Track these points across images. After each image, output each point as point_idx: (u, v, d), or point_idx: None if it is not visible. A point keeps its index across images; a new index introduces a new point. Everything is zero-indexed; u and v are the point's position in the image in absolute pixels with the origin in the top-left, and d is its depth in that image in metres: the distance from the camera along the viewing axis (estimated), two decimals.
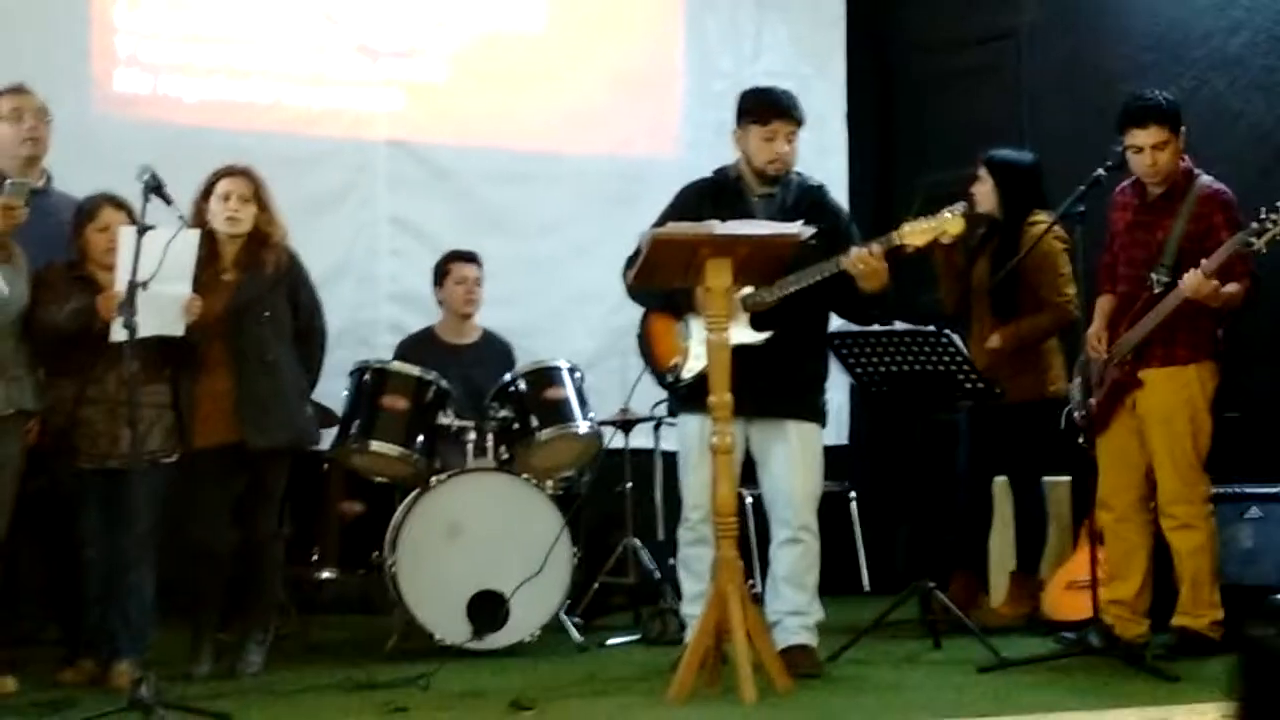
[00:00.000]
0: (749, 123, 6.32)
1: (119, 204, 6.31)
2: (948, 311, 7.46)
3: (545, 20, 9.37)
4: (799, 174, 6.42)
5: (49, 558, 6.53)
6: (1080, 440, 6.58)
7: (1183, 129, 6.33)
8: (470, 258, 8.02)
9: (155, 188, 5.79)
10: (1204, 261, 6.08)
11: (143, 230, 5.74)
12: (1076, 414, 6.65)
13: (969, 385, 6.73)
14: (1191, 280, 6.09)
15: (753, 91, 6.50)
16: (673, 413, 6.58)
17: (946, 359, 6.64)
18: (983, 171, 7.45)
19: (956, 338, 6.71)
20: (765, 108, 6.32)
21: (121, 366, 5.82)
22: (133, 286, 5.65)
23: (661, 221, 6.06)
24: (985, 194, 7.39)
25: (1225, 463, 6.55)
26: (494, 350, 7.93)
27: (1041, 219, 7.31)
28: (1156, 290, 6.28)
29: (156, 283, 5.74)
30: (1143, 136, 6.28)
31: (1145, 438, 6.37)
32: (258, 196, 6.56)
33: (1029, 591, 7.44)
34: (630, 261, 6.12)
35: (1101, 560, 6.39)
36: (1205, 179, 6.37)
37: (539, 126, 9.23)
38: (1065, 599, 7.10)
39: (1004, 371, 6.98)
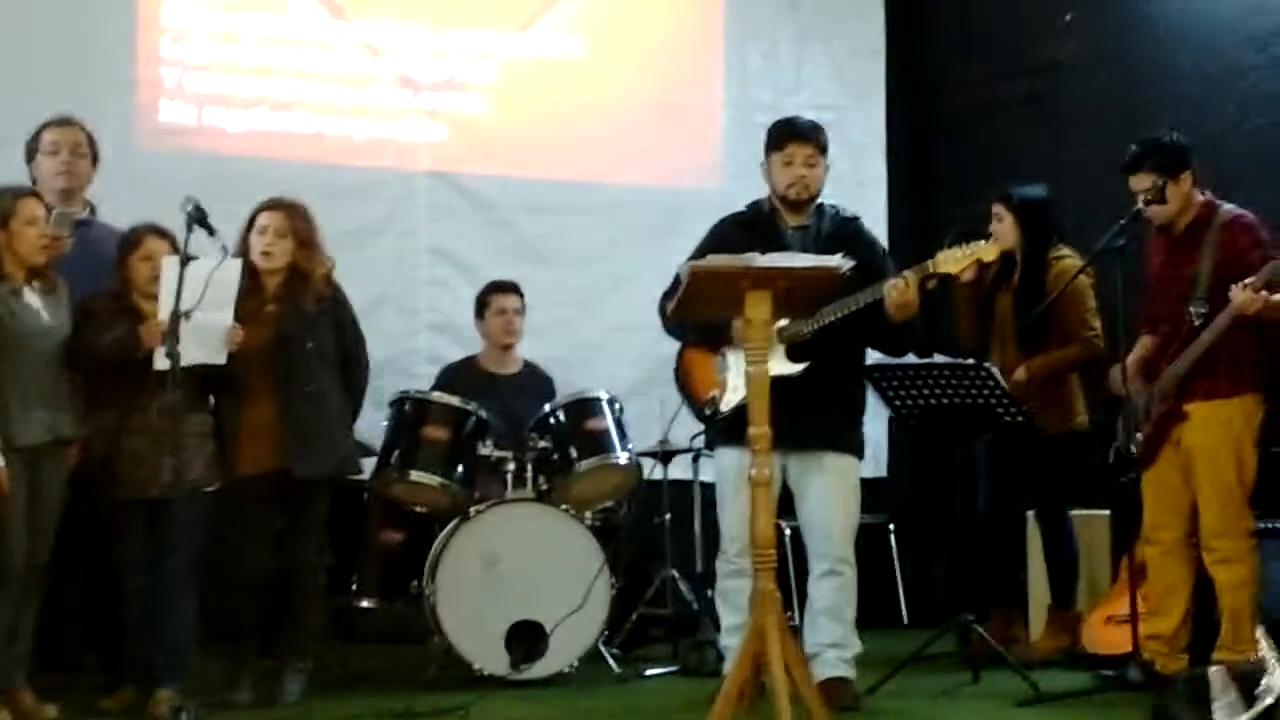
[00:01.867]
0: (770, 151, 6.38)
1: (163, 234, 6.35)
2: (964, 346, 7.44)
3: (586, 52, 9.40)
4: (833, 206, 6.44)
5: (90, 585, 6.57)
6: (1124, 478, 6.57)
7: (1189, 167, 6.35)
8: (510, 288, 8.06)
9: (199, 218, 5.84)
10: (1248, 280, 6.08)
11: (186, 260, 5.78)
12: (1121, 450, 6.64)
13: (1008, 418, 6.72)
14: (1240, 297, 6.09)
15: (777, 121, 6.55)
16: (710, 446, 6.58)
17: (985, 392, 6.64)
18: (999, 208, 7.44)
19: (996, 370, 6.71)
20: (782, 134, 6.38)
21: (164, 395, 5.87)
22: (175, 316, 5.70)
23: (698, 254, 6.06)
24: (1005, 231, 7.37)
25: (1270, 498, 6.53)
26: (535, 381, 7.95)
27: (1065, 253, 7.33)
28: (1196, 323, 6.28)
29: (199, 312, 5.79)
30: (1135, 183, 6.33)
31: (1189, 472, 6.36)
32: (295, 231, 6.59)
33: (1066, 625, 7.41)
34: (667, 294, 6.14)
35: (1141, 595, 6.37)
36: (1227, 208, 6.40)
37: (579, 157, 9.26)
38: (1105, 633, 7.07)
39: (1030, 405, 6.98)
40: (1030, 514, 7.65)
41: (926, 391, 6.69)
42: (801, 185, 6.29)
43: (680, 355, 6.46)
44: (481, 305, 8.07)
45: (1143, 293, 6.60)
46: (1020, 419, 6.73)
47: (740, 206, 6.57)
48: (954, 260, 6.09)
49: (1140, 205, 6.36)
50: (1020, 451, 7.29)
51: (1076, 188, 7.77)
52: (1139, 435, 6.50)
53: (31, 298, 6.15)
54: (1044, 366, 7.30)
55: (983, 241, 6.14)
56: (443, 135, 9.09)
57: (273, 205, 6.62)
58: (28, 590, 6.11)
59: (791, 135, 6.34)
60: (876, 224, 7.16)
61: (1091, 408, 7.36)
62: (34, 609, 6.17)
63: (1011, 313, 7.40)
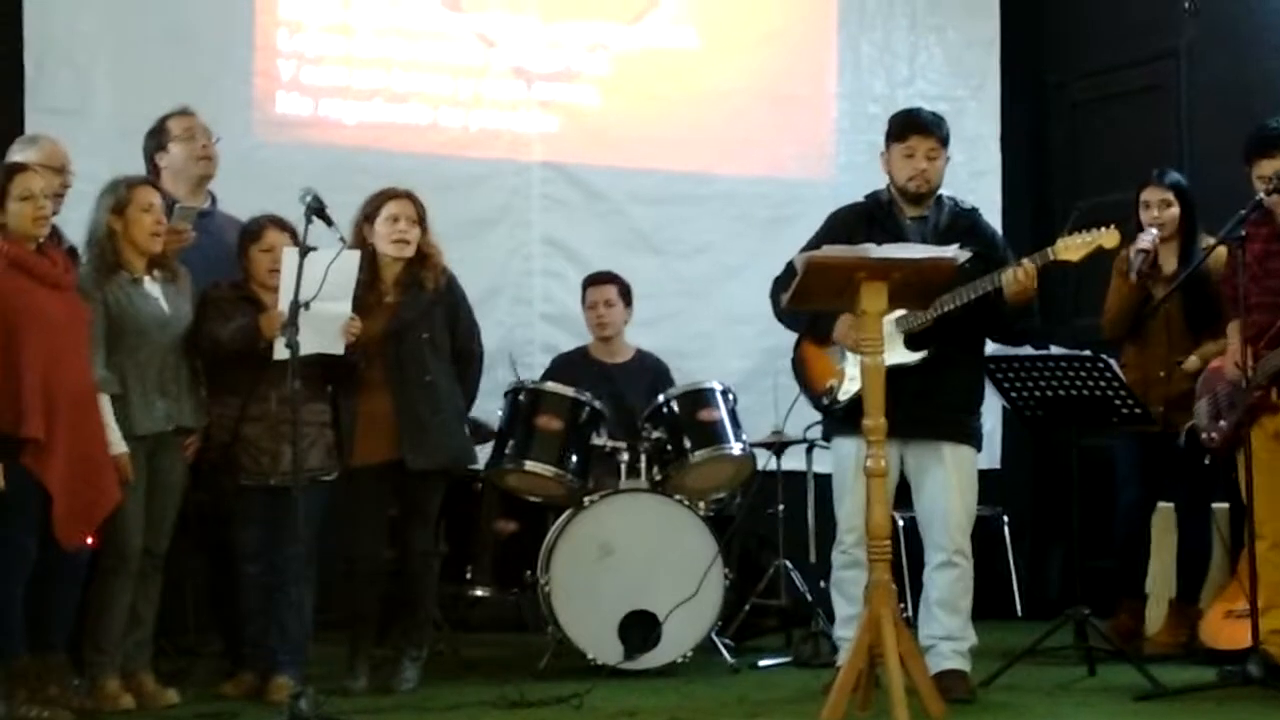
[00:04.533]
0: (891, 142, 6.34)
1: (282, 225, 6.42)
2: (1106, 336, 7.38)
3: (699, 42, 9.40)
4: (951, 197, 6.40)
5: (212, 572, 6.65)
6: (1206, 461, 6.51)
7: None
8: (603, 280, 8.02)
9: (317, 209, 5.88)
10: None
11: (305, 251, 5.83)
12: (1203, 435, 6.59)
13: (1125, 410, 6.66)
14: None
15: (897, 113, 6.53)
16: (827, 437, 6.55)
17: (1104, 384, 6.58)
18: (1163, 194, 7.31)
19: (1113, 362, 6.65)
20: (904, 126, 6.34)
21: (283, 385, 5.93)
22: (295, 306, 5.74)
23: (813, 245, 6.05)
24: (1172, 219, 7.28)
25: None
26: (646, 369, 7.93)
27: (1209, 239, 7.26)
28: None
29: (318, 302, 5.82)
30: (1260, 169, 6.22)
31: None
32: (421, 219, 6.65)
33: (1188, 620, 7.33)
34: (777, 284, 6.14)
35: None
36: None
37: (692, 148, 9.26)
38: (1224, 628, 6.97)
39: (1185, 396, 6.89)
40: (1161, 507, 7.56)
41: (1044, 383, 6.65)
42: (922, 179, 6.26)
43: (798, 345, 6.44)
44: (582, 297, 8.08)
45: (1233, 278, 6.49)
46: (1138, 411, 6.66)
47: (852, 197, 6.56)
48: (1074, 248, 6.05)
49: (1262, 194, 6.27)
50: (1167, 444, 7.21)
51: (1196, 177, 7.66)
52: (1221, 423, 6.46)
53: (152, 287, 6.23)
54: (1214, 355, 7.18)
55: (1103, 229, 6.08)
56: (556, 126, 9.12)
57: (397, 194, 6.66)
58: (148, 577, 6.20)
59: (914, 127, 6.31)
60: (992, 215, 7.11)
61: None
62: (155, 596, 6.27)
63: (1175, 300, 7.25)
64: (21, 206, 5.79)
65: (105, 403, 5.98)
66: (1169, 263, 7.29)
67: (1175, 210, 7.28)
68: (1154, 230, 7.15)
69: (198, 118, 6.93)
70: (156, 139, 6.90)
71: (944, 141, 6.32)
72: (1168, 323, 7.28)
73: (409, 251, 6.59)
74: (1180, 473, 7.30)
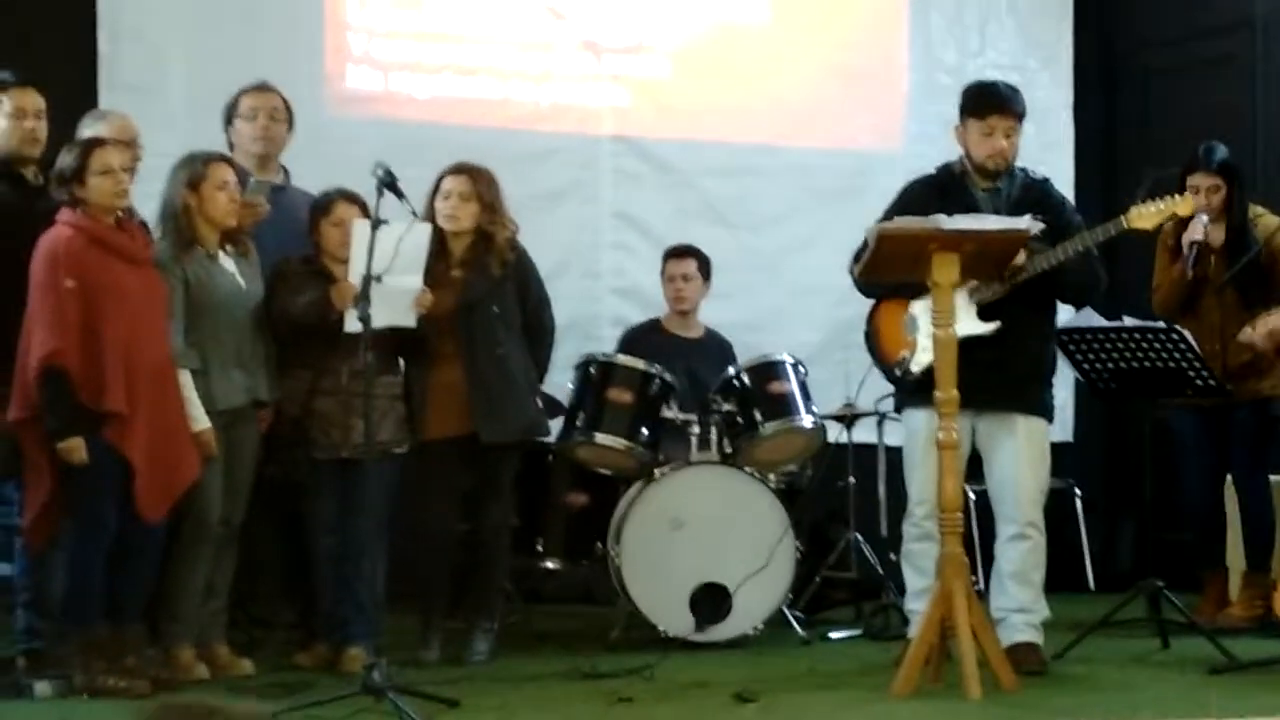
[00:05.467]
0: (968, 117, 6.29)
1: (353, 199, 6.43)
2: (1157, 314, 7.32)
3: (769, 14, 9.36)
4: (1023, 169, 6.37)
5: (285, 544, 6.70)
6: None
7: None
8: (682, 254, 7.99)
9: (388, 183, 5.87)
10: None
11: (376, 225, 5.84)
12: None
13: (1200, 382, 6.63)
14: None
15: (973, 86, 6.47)
16: (898, 409, 6.53)
17: (1177, 355, 6.55)
18: (1210, 180, 7.23)
19: (1188, 334, 6.61)
20: (983, 103, 6.28)
21: (354, 358, 5.96)
22: (367, 280, 5.76)
23: (888, 216, 6.04)
24: (1220, 201, 7.22)
25: None
26: (715, 346, 7.94)
27: (1261, 211, 7.20)
28: None
29: (389, 276, 5.84)
30: None
31: None
32: (479, 195, 6.64)
33: (1261, 592, 7.28)
34: (857, 255, 6.12)
35: None
36: None
37: (762, 120, 9.23)
38: None
39: (1245, 367, 6.85)
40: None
41: (1116, 355, 6.63)
42: (1001, 157, 6.22)
43: (870, 316, 6.42)
44: (661, 270, 8.07)
45: None
46: (1212, 383, 6.63)
47: (922, 168, 6.53)
48: (1147, 215, 6.04)
49: None
50: (1232, 415, 7.17)
51: (1269, 149, 7.59)
52: None
53: (226, 262, 6.28)
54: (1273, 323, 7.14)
55: (1177, 196, 6.06)
56: (626, 100, 9.10)
57: (457, 170, 6.68)
58: (224, 549, 6.26)
59: (994, 106, 6.24)
60: (1063, 187, 7.03)
61: None
62: (230, 567, 6.34)
63: (1225, 274, 7.20)
64: (102, 181, 5.84)
65: (186, 378, 6.03)
66: (1216, 237, 7.23)
67: (1223, 193, 7.23)
68: (1204, 218, 7.08)
69: (271, 94, 6.94)
70: (229, 113, 6.94)
71: (1021, 117, 6.28)
72: (1220, 296, 7.23)
73: (458, 226, 6.60)
74: (1239, 443, 7.27)
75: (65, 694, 5.77)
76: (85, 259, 5.76)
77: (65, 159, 5.89)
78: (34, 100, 6.23)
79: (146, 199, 6.30)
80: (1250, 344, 6.90)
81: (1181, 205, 6.08)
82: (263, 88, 6.94)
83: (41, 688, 5.78)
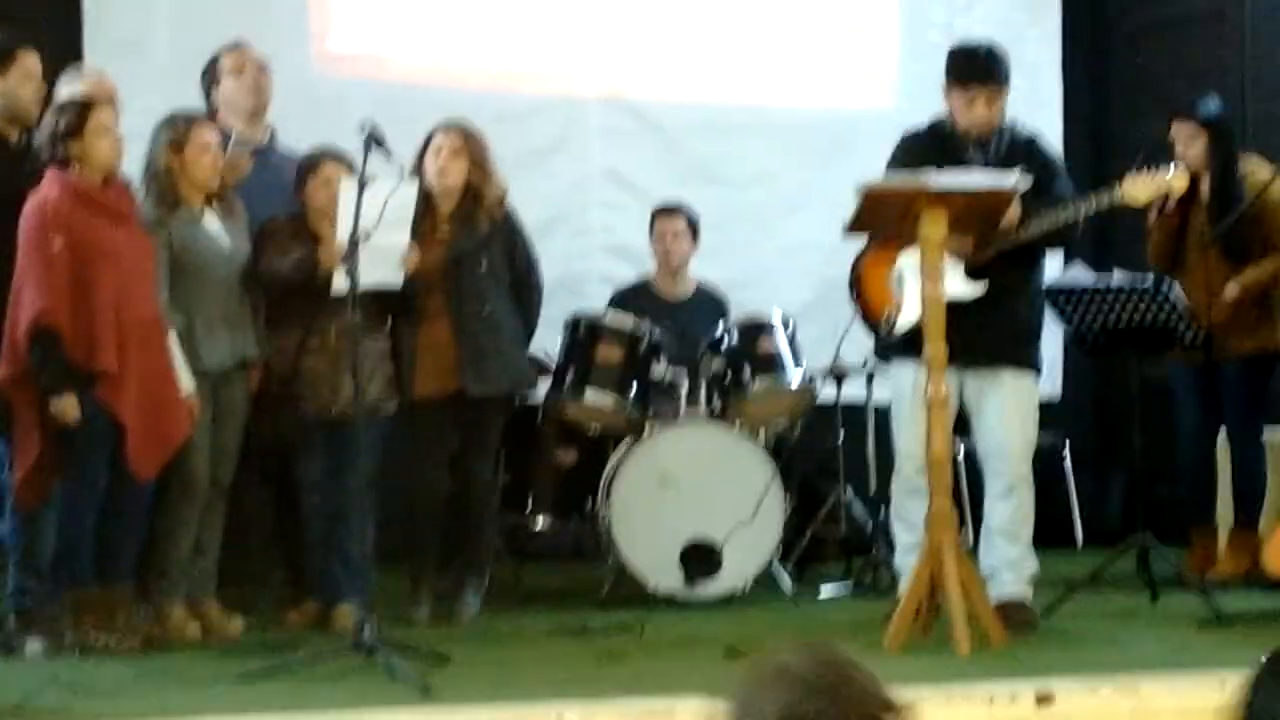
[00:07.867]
0: (952, 84, 6.27)
1: (340, 158, 6.41)
2: (1150, 260, 7.31)
3: None
4: (1011, 125, 6.35)
5: (275, 503, 6.70)
6: None
7: None
8: (672, 211, 7.96)
9: (376, 141, 5.87)
10: None
11: (364, 183, 5.83)
12: None
13: (1186, 339, 6.63)
14: None
15: (958, 51, 6.42)
16: (885, 357, 6.51)
17: (1165, 312, 6.55)
18: (1189, 128, 7.22)
19: (1178, 289, 6.61)
20: (965, 72, 6.26)
21: (342, 317, 5.95)
22: (354, 238, 5.75)
23: (890, 169, 6.05)
24: (1197, 155, 7.20)
25: None
26: (707, 303, 7.92)
27: (1255, 166, 7.19)
28: None
29: (377, 234, 5.83)
30: None
31: None
32: (470, 152, 6.63)
33: (1248, 547, 7.30)
34: None
35: None
36: None
37: (751, 78, 9.19)
38: None
39: (1235, 323, 6.85)
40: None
41: (1105, 311, 6.62)
42: (984, 124, 6.21)
43: (854, 269, 6.40)
44: (650, 228, 8.06)
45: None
46: (1200, 340, 6.63)
47: (915, 124, 6.50)
48: (1141, 187, 6.01)
49: None
50: (1221, 371, 7.19)
51: (1260, 105, 7.58)
52: None
53: (211, 222, 6.26)
54: (1256, 281, 7.14)
55: (1171, 166, 6.05)
56: (615, 58, 9.06)
57: (449, 126, 6.67)
58: (212, 507, 6.27)
59: (974, 75, 6.22)
60: (1052, 142, 7.03)
61: None
62: (219, 525, 6.34)
63: (1209, 230, 7.20)
64: (99, 141, 5.83)
65: (173, 339, 6.03)
66: (1202, 191, 7.23)
67: (1201, 143, 7.20)
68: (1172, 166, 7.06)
69: (250, 50, 6.93)
70: (210, 75, 6.91)
71: (1005, 80, 6.26)
72: (1205, 251, 7.23)
73: (449, 181, 6.59)
74: (1232, 400, 7.28)
75: (55, 652, 5.78)
76: (73, 218, 5.75)
77: (59, 118, 5.87)
78: (37, 62, 6.25)
79: (132, 160, 6.29)
80: (1230, 300, 6.95)
81: (1176, 179, 6.06)
82: (241, 44, 6.92)
83: (32, 646, 5.79)
